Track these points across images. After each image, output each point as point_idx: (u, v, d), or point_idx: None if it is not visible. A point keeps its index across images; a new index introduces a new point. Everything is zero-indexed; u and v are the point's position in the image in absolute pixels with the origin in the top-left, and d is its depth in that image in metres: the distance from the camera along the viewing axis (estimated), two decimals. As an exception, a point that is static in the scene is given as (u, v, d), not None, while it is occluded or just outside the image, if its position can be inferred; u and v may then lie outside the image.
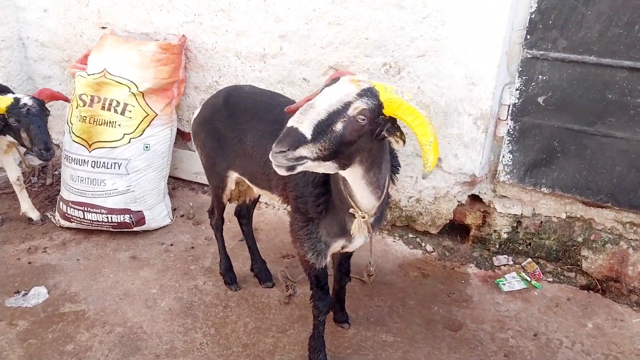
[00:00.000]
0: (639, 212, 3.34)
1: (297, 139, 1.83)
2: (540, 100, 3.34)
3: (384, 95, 1.92)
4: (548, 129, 3.40)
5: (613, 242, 3.49)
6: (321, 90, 2.01)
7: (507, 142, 3.55)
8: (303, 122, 1.85)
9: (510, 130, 3.50)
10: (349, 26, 3.56)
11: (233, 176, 3.09)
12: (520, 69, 3.33)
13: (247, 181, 3.03)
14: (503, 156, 3.59)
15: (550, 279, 3.65)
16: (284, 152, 1.83)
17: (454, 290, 3.54)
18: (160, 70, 4.05)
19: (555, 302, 3.45)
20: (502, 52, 3.27)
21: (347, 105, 1.90)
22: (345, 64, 3.67)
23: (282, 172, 1.92)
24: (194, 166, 4.72)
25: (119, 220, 4.04)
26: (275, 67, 3.96)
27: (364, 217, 2.32)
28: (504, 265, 3.76)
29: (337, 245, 2.58)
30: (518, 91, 3.38)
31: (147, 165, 4.13)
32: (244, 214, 3.56)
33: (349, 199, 2.29)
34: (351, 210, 2.33)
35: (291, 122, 1.85)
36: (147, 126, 4.11)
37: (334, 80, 2.01)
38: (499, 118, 3.50)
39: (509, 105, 3.44)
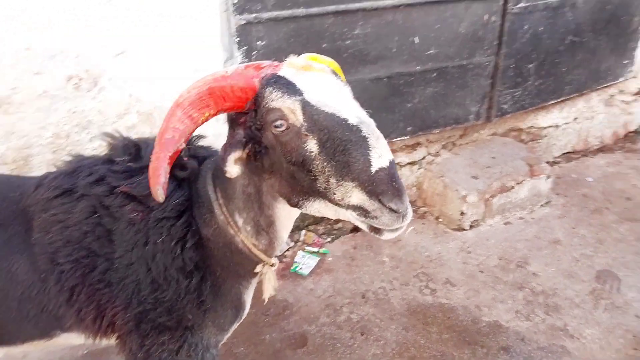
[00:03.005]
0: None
1: None
2: (265, 67, 3.02)
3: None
4: (281, 95, 3.15)
5: (362, 178, 3.67)
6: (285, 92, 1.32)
7: (247, 122, 3.13)
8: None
9: (246, 109, 3.09)
10: (-6, 37, 2.30)
11: None
12: (237, 39, 2.87)
13: None
14: (247, 139, 3.17)
15: (329, 239, 3.62)
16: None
17: (267, 306, 3.03)
18: None
19: (349, 256, 3.46)
20: (220, 24, 2.74)
21: None
22: (2, 95, 2.40)
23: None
24: None
25: None
26: None
27: (273, 265, 1.67)
28: (287, 250, 3.49)
29: (229, 334, 1.80)
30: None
31: None
32: None
33: (258, 251, 1.59)
34: (258, 268, 1.64)
35: (388, 156, 1.28)
36: None
37: (275, 78, 1.33)
38: (229, 100, 3.02)
39: (236, 83, 2.99)
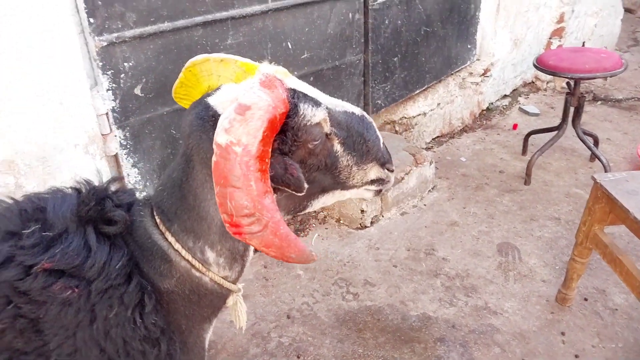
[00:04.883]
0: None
1: None
2: (137, 91, 2.68)
3: None
4: (159, 119, 2.82)
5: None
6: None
7: (126, 156, 2.75)
8: None
9: (123, 141, 2.71)
10: None
11: None
12: (100, 63, 2.50)
13: None
14: (128, 175, 2.79)
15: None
16: None
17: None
18: None
19: (262, 277, 3.22)
20: (80, 45, 2.37)
21: None
22: None
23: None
24: None
25: None
26: None
27: (240, 290, 1.48)
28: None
29: None
30: (110, 91, 2.58)
31: None
32: None
33: (229, 283, 1.41)
34: (229, 301, 1.47)
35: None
36: None
37: (294, 92, 1.25)
38: (102, 134, 2.63)
39: (107, 113, 2.61)
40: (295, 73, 3.33)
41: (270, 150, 1.12)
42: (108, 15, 2.47)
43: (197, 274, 1.33)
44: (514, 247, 3.46)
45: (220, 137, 1.05)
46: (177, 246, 1.30)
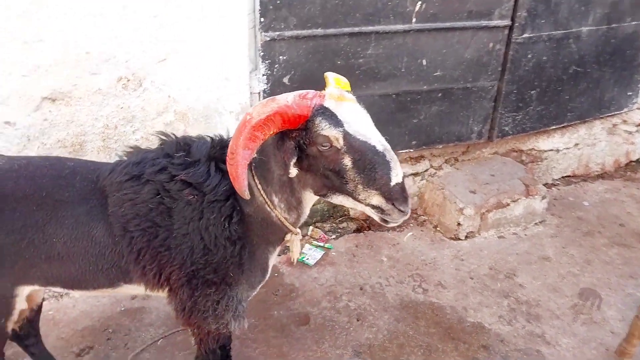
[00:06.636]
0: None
1: None
2: (285, 80, 3.39)
3: None
4: (298, 105, 3.51)
5: (368, 185, 4.01)
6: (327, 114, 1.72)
7: (266, 127, 3.50)
8: None
9: (266, 115, 3.46)
10: (58, 41, 2.71)
11: (25, 292, 2.12)
12: (262, 53, 3.26)
13: (58, 289, 2.17)
14: (265, 142, 3.55)
15: (334, 236, 3.96)
16: None
17: (276, 287, 3.43)
18: None
19: (351, 253, 3.78)
20: (248, 39, 3.13)
21: None
22: (66, 90, 2.82)
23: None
24: None
25: None
26: (-51, 117, 2.71)
27: (298, 234, 2.08)
28: (295, 243, 3.85)
29: (256, 292, 2.21)
30: (265, 76, 3.33)
31: None
32: (28, 331, 2.49)
33: (288, 223, 1.99)
34: (287, 237, 2.05)
35: (401, 174, 1.74)
36: None
37: (322, 109, 1.71)
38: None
39: (259, 93, 3.37)
40: (425, 87, 3.79)
41: (272, 128, 1.66)
42: (275, 17, 3.19)
43: (268, 209, 1.95)
44: (597, 295, 3.50)
45: (249, 109, 1.67)
46: (258, 186, 1.93)
